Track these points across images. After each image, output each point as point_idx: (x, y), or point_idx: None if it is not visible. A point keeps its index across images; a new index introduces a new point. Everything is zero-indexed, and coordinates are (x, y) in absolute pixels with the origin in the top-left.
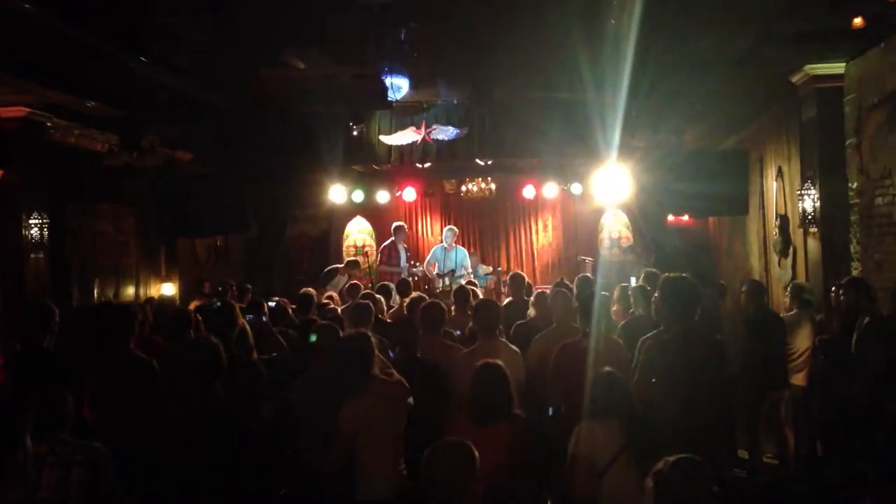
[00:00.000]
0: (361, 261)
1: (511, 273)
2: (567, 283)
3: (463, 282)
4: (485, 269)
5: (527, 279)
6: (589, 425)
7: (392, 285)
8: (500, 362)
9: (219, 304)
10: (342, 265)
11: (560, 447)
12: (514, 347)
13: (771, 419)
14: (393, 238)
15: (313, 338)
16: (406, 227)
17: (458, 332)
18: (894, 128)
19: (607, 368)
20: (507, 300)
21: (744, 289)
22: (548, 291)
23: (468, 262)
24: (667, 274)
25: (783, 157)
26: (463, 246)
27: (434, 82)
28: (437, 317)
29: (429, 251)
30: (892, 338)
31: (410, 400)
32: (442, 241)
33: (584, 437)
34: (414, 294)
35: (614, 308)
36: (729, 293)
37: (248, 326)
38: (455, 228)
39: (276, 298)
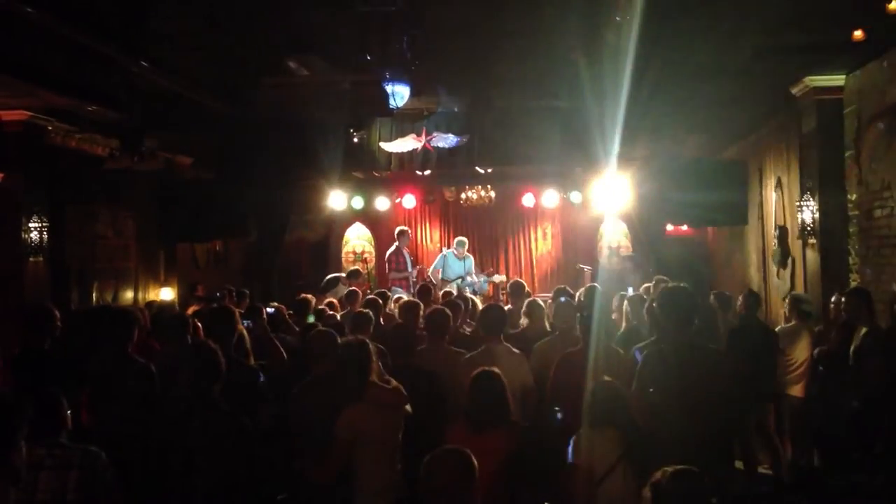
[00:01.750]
0: (360, 267)
1: (511, 281)
2: (569, 290)
3: (468, 291)
4: (496, 275)
5: (527, 287)
6: (587, 434)
7: (391, 292)
8: (496, 370)
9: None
10: (343, 275)
11: (561, 456)
12: (518, 352)
13: (761, 431)
14: (397, 244)
15: (311, 319)
16: (409, 231)
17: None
18: (893, 140)
19: (606, 377)
20: (506, 308)
21: (740, 298)
22: (539, 300)
23: (473, 270)
24: (665, 283)
25: (783, 167)
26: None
27: (435, 90)
28: (442, 322)
29: (427, 258)
30: (889, 349)
31: (408, 407)
32: (452, 248)
33: (583, 446)
34: (407, 300)
35: (613, 316)
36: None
37: (245, 332)
38: (465, 240)
39: (275, 304)
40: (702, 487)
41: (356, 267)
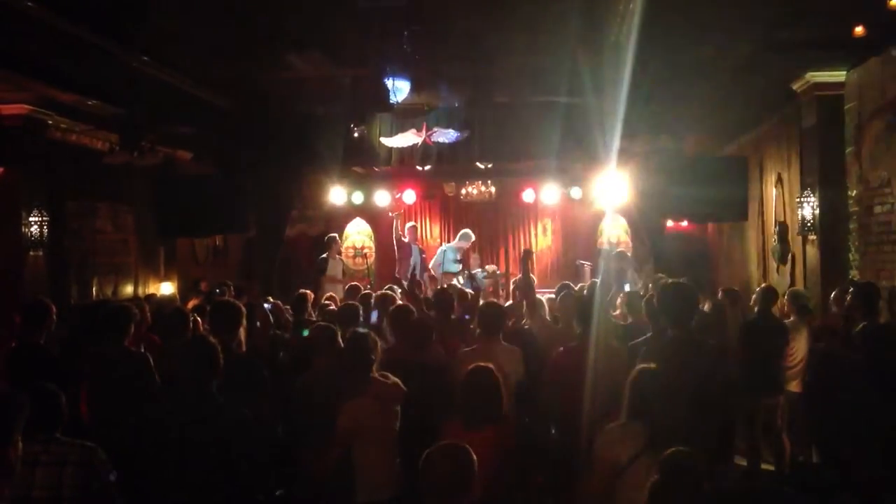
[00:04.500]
0: (360, 262)
1: (518, 277)
2: (572, 286)
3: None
4: (491, 268)
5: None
6: (622, 425)
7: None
8: (490, 366)
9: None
10: (327, 252)
11: (560, 452)
12: (513, 347)
13: (768, 425)
14: (407, 238)
15: (305, 332)
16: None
17: None
18: (894, 137)
19: (645, 365)
20: (508, 303)
21: (756, 291)
22: (542, 297)
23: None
24: (664, 279)
25: (783, 163)
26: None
27: (435, 85)
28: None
29: (427, 253)
30: (887, 344)
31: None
32: (453, 242)
33: (615, 438)
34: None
35: (613, 312)
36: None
37: (257, 324)
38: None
39: (272, 300)
40: (695, 465)
41: (331, 234)
